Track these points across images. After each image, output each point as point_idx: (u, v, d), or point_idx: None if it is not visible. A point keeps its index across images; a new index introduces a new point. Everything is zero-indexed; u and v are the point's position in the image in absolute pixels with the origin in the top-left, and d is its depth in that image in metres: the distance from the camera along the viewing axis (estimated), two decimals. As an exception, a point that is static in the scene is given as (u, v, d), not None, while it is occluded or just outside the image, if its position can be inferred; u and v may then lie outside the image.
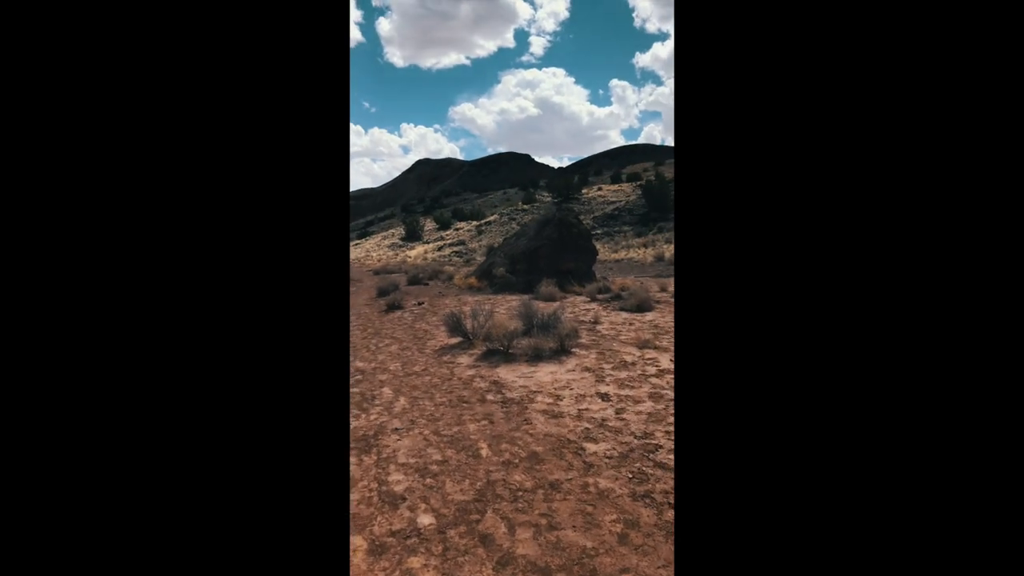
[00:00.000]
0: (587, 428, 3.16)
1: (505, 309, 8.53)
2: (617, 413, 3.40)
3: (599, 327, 6.70)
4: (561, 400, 3.74)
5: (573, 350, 5.23)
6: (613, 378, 4.24)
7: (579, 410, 3.50)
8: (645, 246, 28.44)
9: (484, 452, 2.90)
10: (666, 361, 4.71)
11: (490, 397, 3.89)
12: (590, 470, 2.60)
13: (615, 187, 51.38)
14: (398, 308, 9.46)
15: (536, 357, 4.97)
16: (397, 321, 8.07)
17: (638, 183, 51.88)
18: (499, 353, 5.19)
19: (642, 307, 8.00)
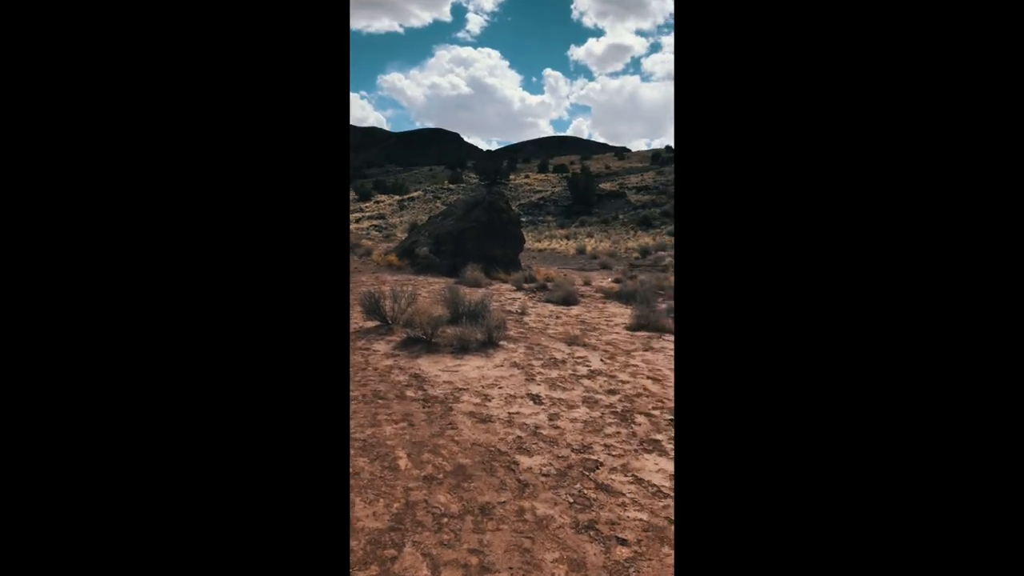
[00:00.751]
0: (519, 437, 2.85)
1: (428, 292, 8.06)
2: (551, 419, 3.12)
3: (526, 319, 6.44)
4: (490, 400, 3.41)
5: (501, 343, 4.92)
6: (544, 377, 3.97)
7: (509, 414, 3.19)
8: (567, 238, 28.85)
9: (403, 463, 2.50)
10: (596, 360, 4.53)
11: (410, 393, 3.48)
12: (525, 490, 2.29)
13: (542, 176, 51.80)
14: (309, 281, 8.68)
15: (462, 349, 4.61)
16: (307, 296, 7.35)
17: (564, 175, 52.80)
18: (421, 342, 4.77)
19: (568, 300, 7.87)
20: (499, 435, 2.86)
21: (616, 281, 11.49)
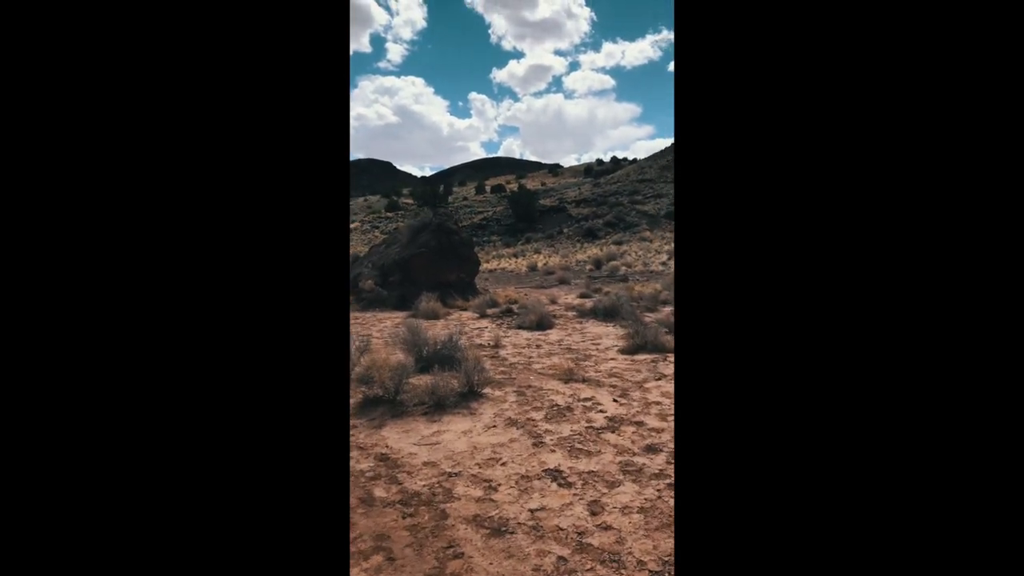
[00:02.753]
0: (561, 559, 1.87)
1: (380, 332, 6.94)
2: (594, 514, 2.16)
3: (503, 352, 5.47)
4: (496, 490, 2.40)
5: (484, 391, 3.92)
6: (555, 437, 3.02)
7: (531, 512, 2.20)
8: (515, 256, 28.22)
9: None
10: (608, 402, 3.62)
11: (380, 492, 2.42)
12: None
13: (481, 197, 51.50)
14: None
15: (438, 406, 3.57)
16: (233, 352, 6.05)
17: (503, 194, 52.70)
18: (383, 402, 3.69)
19: (543, 324, 6.96)
20: (531, 561, 1.86)
21: (583, 296, 10.73)
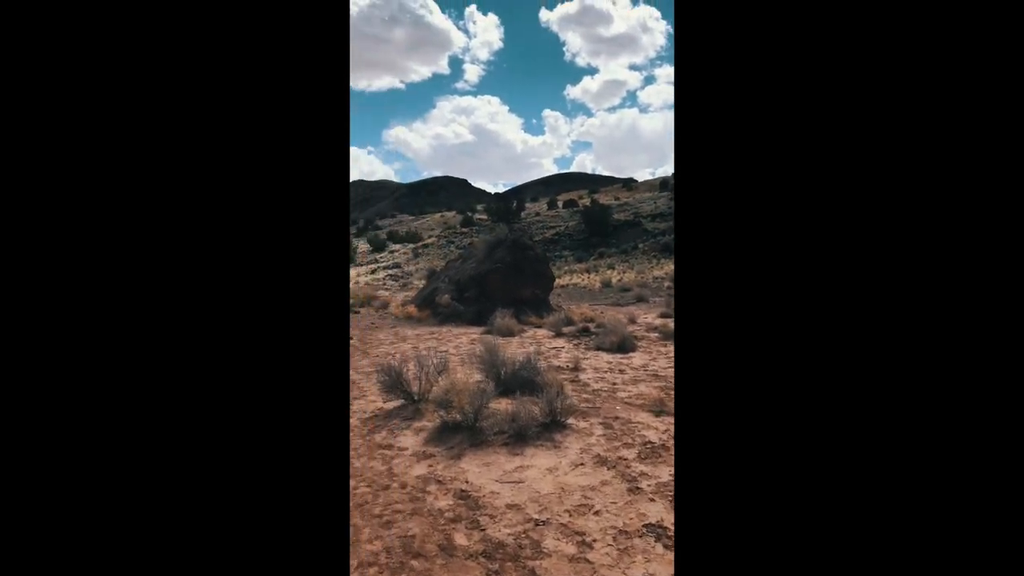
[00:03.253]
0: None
1: (457, 349, 6.83)
2: (713, 589, 1.81)
3: (583, 376, 5.15)
4: (591, 546, 2.11)
5: (568, 421, 3.63)
6: (651, 482, 2.67)
7: (636, 578, 1.88)
8: (588, 271, 27.71)
9: None
10: (709, 441, 3.22)
11: (461, 539, 2.20)
12: None
13: (553, 212, 51.50)
14: (318, 346, 7.51)
15: (518, 436, 3.33)
16: (314, 366, 6.14)
17: (575, 209, 52.24)
18: (462, 428, 3.50)
19: (624, 347, 6.57)
20: (643, 650, 1.55)
21: (664, 316, 10.18)
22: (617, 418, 3.75)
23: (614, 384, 4.80)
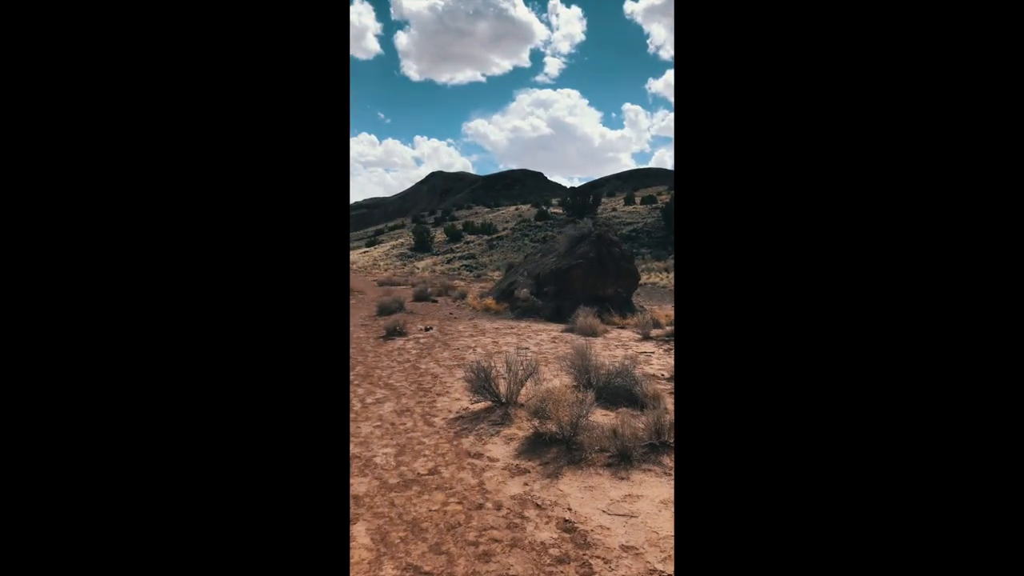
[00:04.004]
0: None
1: (537, 347, 6.51)
2: None
3: (683, 389, 4.67)
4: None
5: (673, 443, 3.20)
6: (795, 532, 2.21)
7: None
8: (666, 270, 26.54)
9: None
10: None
11: (573, 585, 1.86)
12: None
13: (630, 208, 50.20)
14: (400, 334, 7.47)
15: (622, 457, 2.95)
16: (397, 354, 6.07)
17: (654, 205, 50.48)
18: (556, 441, 3.17)
19: (724, 356, 5.99)
20: None
21: (759, 323, 9.36)
22: (733, 443, 3.28)
23: (720, 400, 4.29)
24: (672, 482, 2.70)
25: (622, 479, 2.73)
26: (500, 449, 3.14)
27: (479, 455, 3.06)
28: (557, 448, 3.10)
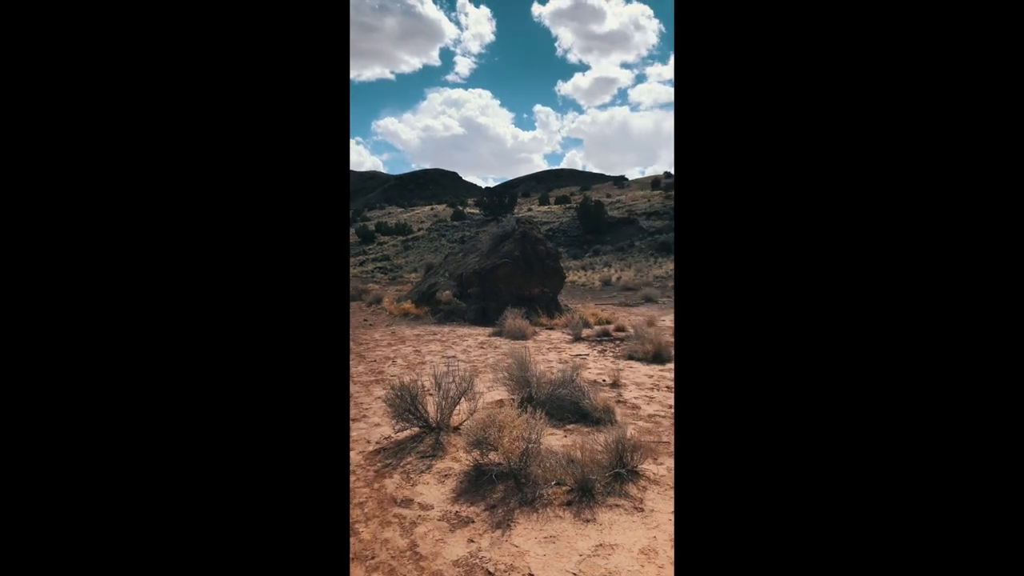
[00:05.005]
0: None
1: (465, 354, 5.92)
2: None
3: (628, 395, 4.30)
4: None
5: (641, 469, 2.76)
6: None
7: None
8: (584, 269, 26.94)
9: None
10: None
11: None
12: None
13: (545, 208, 51.03)
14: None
15: (583, 491, 2.46)
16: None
17: (568, 206, 51.53)
18: (502, 476, 2.62)
19: (661, 356, 5.73)
20: None
21: (684, 319, 9.38)
22: (698, 460, 2.90)
23: (670, 407, 3.94)
24: (645, 520, 2.24)
25: (587, 521, 2.23)
26: (434, 491, 2.54)
27: (408, 501, 2.44)
28: (504, 485, 2.55)
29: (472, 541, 2.09)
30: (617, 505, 2.37)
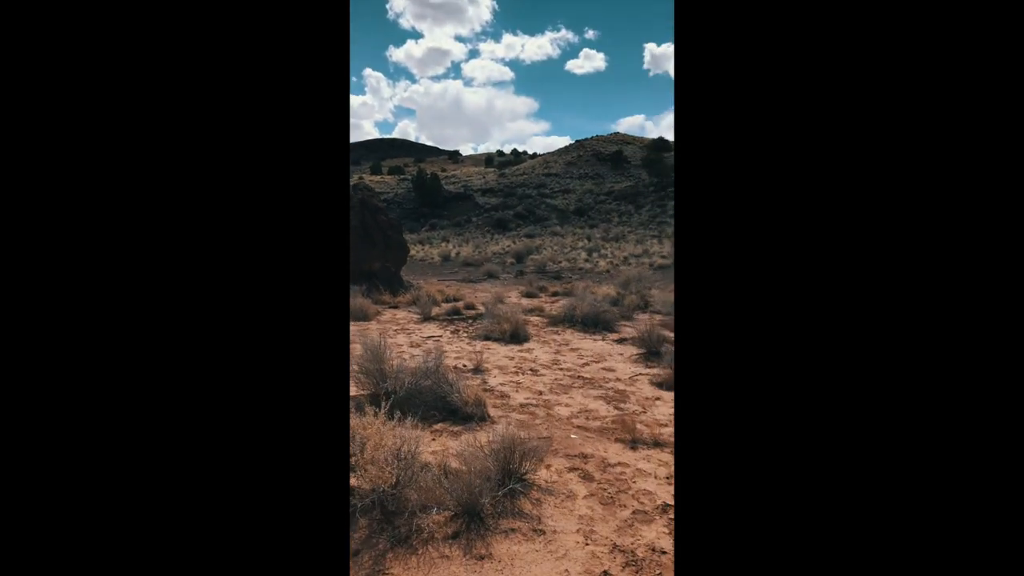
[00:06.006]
0: None
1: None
2: None
3: (493, 381, 3.94)
4: None
5: (530, 477, 2.38)
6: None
7: None
8: (422, 243, 26.26)
9: None
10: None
11: None
12: None
13: (378, 178, 48.76)
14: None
15: (469, 516, 1.99)
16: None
17: (402, 176, 49.90)
18: (365, 508, 2.03)
19: (518, 336, 5.50)
20: None
21: (529, 295, 9.39)
22: (585, 456, 2.63)
23: (540, 394, 3.67)
24: (548, 546, 1.87)
25: (481, 559, 1.78)
26: (269, 541, 1.85)
27: None
28: (369, 519, 1.97)
29: (333, 617, 1.50)
30: (513, 529, 1.95)
